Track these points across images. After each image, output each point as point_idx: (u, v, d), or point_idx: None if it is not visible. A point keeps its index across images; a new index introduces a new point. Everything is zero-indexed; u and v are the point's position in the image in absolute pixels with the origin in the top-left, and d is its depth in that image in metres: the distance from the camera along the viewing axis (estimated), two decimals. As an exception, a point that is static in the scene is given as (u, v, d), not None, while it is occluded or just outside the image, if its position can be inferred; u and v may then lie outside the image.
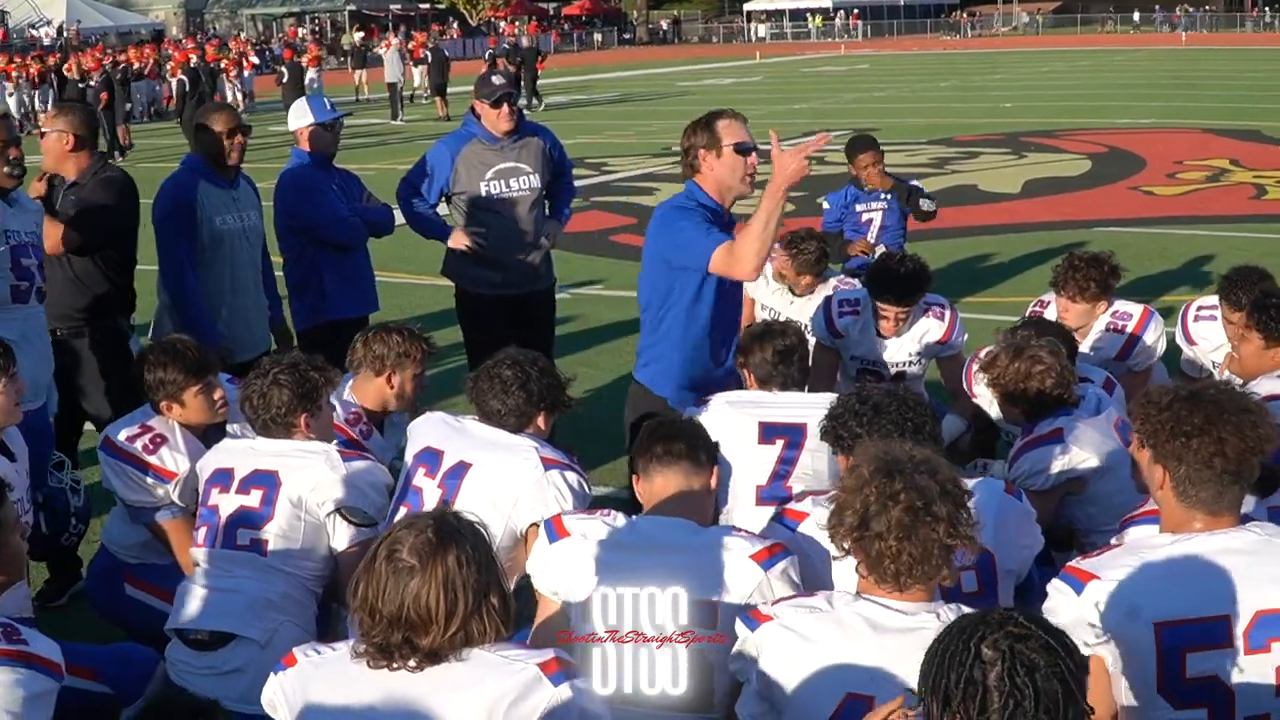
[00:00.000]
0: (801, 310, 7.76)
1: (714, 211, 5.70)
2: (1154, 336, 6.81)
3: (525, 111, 8.14)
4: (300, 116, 7.68)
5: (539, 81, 39.97)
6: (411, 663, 3.07)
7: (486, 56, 47.39)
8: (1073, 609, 3.48)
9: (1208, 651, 3.36)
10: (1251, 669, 3.36)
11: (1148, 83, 40.25)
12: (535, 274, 8.05)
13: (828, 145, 5.71)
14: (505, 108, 7.80)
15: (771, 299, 8.11)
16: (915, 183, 9.92)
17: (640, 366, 6.01)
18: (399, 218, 8.03)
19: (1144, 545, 3.55)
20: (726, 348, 5.90)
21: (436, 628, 3.02)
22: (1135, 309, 6.88)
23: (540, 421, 4.89)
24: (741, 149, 5.69)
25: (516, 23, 79.38)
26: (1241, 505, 3.55)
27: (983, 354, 5.56)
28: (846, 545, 3.37)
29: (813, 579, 4.02)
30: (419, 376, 5.69)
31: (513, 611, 3.13)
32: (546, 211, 8.14)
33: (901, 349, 6.96)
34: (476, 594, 3.03)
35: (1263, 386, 5.52)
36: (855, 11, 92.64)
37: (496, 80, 7.89)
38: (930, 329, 6.98)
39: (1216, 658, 3.37)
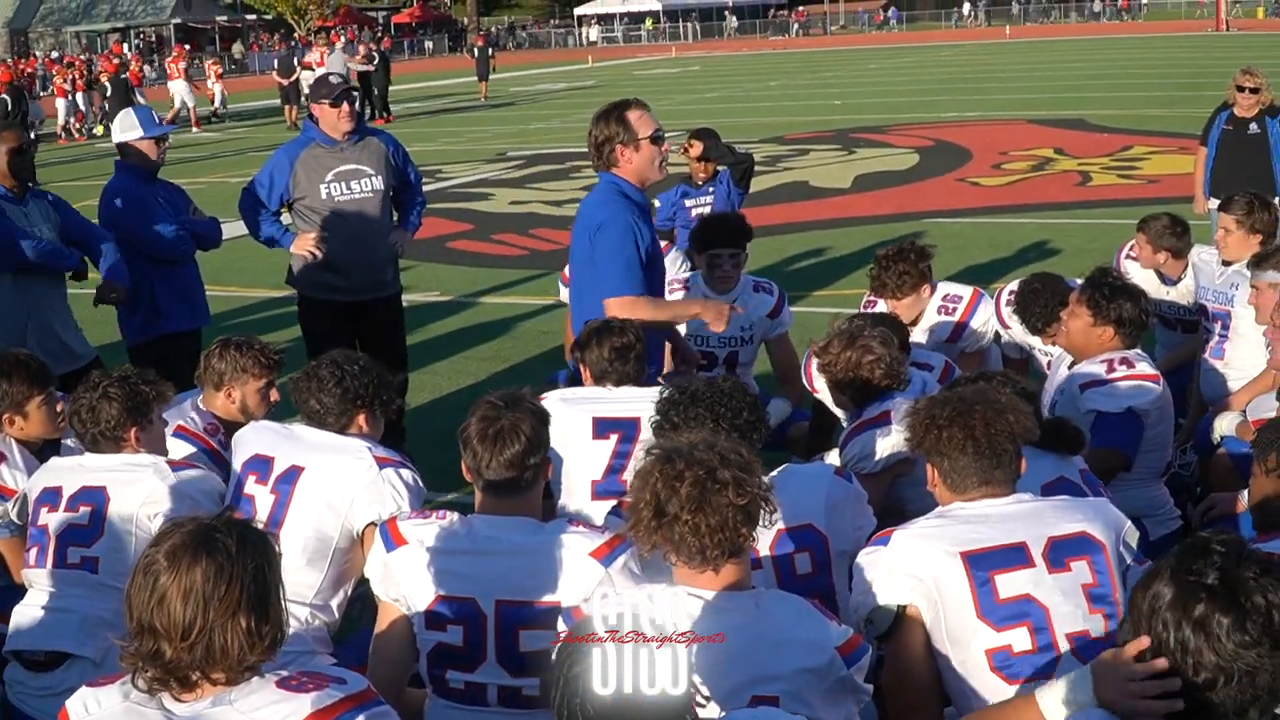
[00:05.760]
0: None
1: (639, 206, 5.98)
2: (981, 320, 6.98)
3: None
4: (128, 130, 7.56)
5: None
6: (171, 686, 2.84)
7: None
8: (884, 561, 3.80)
9: (1013, 572, 3.70)
10: (1058, 586, 3.71)
11: (973, 76, 41.03)
12: (380, 280, 8.00)
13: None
14: (345, 106, 7.75)
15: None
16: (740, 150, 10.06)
17: None
18: (230, 230, 7.91)
19: (940, 511, 3.92)
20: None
21: (176, 636, 2.77)
22: (965, 291, 7.05)
23: (362, 421, 4.87)
24: (657, 138, 5.96)
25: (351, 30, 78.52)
26: (1013, 483, 3.92)
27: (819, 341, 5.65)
28: (653, 539, 3.41)
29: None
30: (263, 390, 5.61)
31: (278, 636, 2.88)
32: (395, 219, 8.10)
33: (734, 324, 7.04)
34: (222, 609, 2.77)
35: (1084, 368, 5.69)
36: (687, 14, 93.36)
37: (334, 79, 7.87)
38: (760, 303, 7.29)
39: (1023, 577, 3.70)
